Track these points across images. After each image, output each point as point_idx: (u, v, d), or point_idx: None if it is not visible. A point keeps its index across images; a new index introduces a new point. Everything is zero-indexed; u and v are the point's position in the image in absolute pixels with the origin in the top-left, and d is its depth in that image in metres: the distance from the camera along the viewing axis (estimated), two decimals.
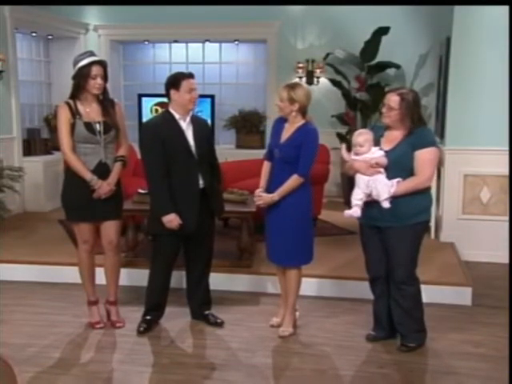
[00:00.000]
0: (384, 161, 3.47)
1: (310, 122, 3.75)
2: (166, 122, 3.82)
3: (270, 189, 3.79)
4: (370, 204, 3.52)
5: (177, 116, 3.80)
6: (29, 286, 4.77)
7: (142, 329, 3.96)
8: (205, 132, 3.94)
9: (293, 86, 3.72)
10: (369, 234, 3.67)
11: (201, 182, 3.84)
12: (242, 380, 3.38)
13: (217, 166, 4.04)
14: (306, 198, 3.79)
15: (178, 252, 3.99)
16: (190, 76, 3.79)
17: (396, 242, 3.54)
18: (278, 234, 3.81)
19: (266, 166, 3.90)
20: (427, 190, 3.58)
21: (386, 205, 3.44)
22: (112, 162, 3.86)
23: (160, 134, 3.75)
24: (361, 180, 3.54)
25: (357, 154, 3.57)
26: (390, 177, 3.47)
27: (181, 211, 3.76)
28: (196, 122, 3.89)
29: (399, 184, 3.44)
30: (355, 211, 3.55)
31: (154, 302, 4.03)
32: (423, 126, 3.56)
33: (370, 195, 3.51)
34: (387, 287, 3.70)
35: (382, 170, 3.48)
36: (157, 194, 3.80)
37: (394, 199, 3.44)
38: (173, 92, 3.76)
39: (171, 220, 3.74)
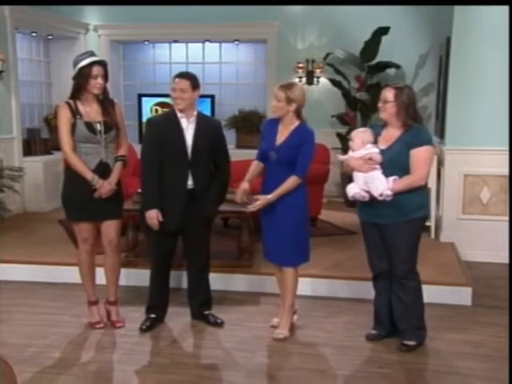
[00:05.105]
0: (378, 157, 3.51)
1: (305, 123, 3.74)
2: (167, 119, 3.87)
3: (267, 191, 3.76)
4: (369, 201, 3.54)
5: (179, 114, 3.81)
6: (29, 286, 4.77)
7: (144, 327, 3.97)
8: (210, 133, 3.88)
9: (289, 86, 3.69)
10: (369, 230, 3.70)
11: (190, 182, 3.84)
12: (241, 380, 3.38)
13: (223, 167, 3.97)
14: (302, 198, 3.78)
15: (169, 250, 3.98)
16: (177, 75, 3.81)
17: (394, 238, 3.58)
18: (274, 234, 3.80)
19: (255, 165, 3.86)
20: (423, 186, 3.60)
21: (387, 196, 3.45)
22: (113, 161, 3.87)
23: (158, 130, 3.80)
24: (358, 178, 3.57)
25: (352, 151, 3.61)
26: (386, 175, 3.50)
27: (165, 209, 3.79)
28: (203, 122, 3.87)
29: (395, 182, 3.48)
30: (363, 196, 3.55)
31: (152, 300, 4.04)
32: (419, 123, 3.58)
33: (368, 192, 3.52)
34: (389, 283, 3.72)
35: (377, 166, 3.51)
36: (144, 188, 3.87)
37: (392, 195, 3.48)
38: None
39: (152, 217, 3.78)
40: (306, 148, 3.68)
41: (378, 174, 3.51)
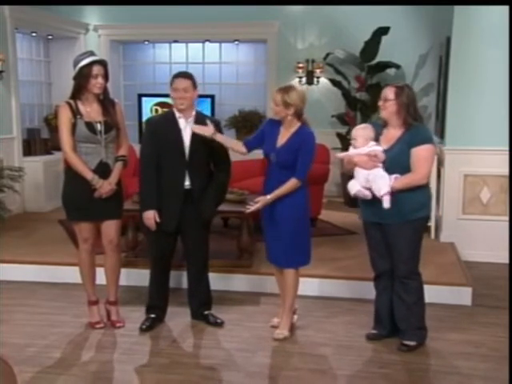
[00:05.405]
0: (382, 155, 3.50)
1: (306, 125, 3.72)
2: (165, 119, 3.87)
3: (267, 193, 3.74)
4: (372, 200, 3.54)
5: (177, 114, 3.81)
6: (29, 286, 4.77)
7: (144, 327, 3.97)
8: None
9: (286, 90, 3.65)
10: (372, 230, 3.70)
11: (187, 182, 3.83)
12: (241, 380, 3.38)
13: (223, 167, 3.95)
14: (302, 199, 3.76)
15: (169, 250, 3.98)
16: (178, 75, 3.80)
17: (396, 238, 3.57)
18: (274, 235, 3.80)
19: (240, 143, 3.89)
20: (425, 186, 3.60)
21: (386, 204, 3.45)
22: (113, 161, 3.87)
23: (156, 130, 3.81)
24: (360, 174, 3.56)
25: (354, 148, 3.60)
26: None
27: (163, 209, 3.80)
28: (202, 122, 3.84)
29: (396, 180, 3.47)
30: (365, 195, 3.55)
31: (152, 300, 4.05)
32: (420, 122, 3.58)
33: (370, 189, 3.52)
34: (390, 283, 3.72)
35: (380, 164, 3.50)
36: (142, 188, 3.87)
37: (394, 195, 3.46)
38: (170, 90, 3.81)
39: (149, 217, 3.79)
40: (306, 150, 3.66)
41: (381, 172, 3.49)
